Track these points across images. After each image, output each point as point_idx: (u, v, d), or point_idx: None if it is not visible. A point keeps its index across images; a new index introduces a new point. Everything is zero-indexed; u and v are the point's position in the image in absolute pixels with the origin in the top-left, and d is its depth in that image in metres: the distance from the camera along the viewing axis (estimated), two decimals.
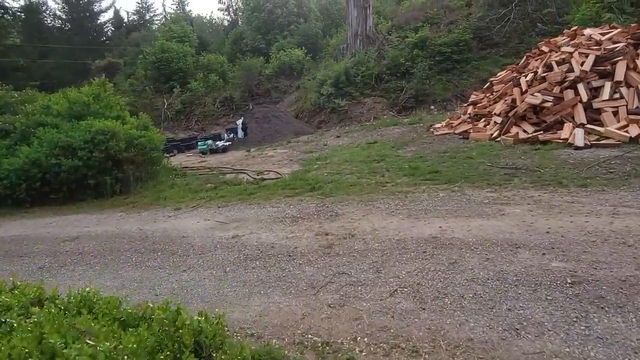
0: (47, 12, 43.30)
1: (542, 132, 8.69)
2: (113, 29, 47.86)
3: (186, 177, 10.36)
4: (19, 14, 40.04)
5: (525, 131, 9.06)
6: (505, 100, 10.49)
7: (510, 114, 9.65)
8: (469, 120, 11.52)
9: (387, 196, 6.37)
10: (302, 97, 21.74)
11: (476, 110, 11.59)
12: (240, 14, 41.01)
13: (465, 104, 13.02)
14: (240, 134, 18.32)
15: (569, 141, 7.94)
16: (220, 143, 17.05)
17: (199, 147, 17.01)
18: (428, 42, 18.57)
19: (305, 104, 20.56)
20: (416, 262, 3.93)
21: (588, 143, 7.68)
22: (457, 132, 11.12)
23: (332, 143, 13.11)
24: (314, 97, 19.78)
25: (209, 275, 4.41)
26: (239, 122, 19.08)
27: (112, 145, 9.04)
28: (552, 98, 8.89)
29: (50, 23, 43.43)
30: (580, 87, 8.71)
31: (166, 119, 26.01)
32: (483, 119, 10.98)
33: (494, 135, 9.67)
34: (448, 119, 12.61)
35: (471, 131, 10.55)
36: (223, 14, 49.43)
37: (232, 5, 47.56)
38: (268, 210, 6.56)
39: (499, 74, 12.61)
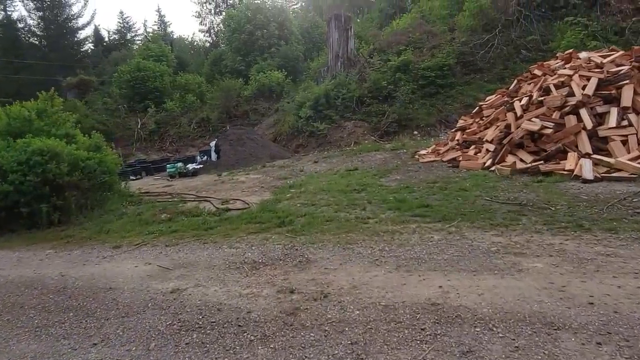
0: (25, 28, 41.92)
1: (542, 161, 7.75)
2: (93, 47, 46.67)
3: (141, 205, 9.05)
4: None
5: (522, 160, 8.12)
6: (498, 125, 9.61)
7: (504, 141, 8.74)
8: (457, 147, 10.58)
9: (370, 237, 5.24)
10: (280, 120, 20.75)
11: (465, 136, 10.68)
12: (221, 35, 40.28)
13: (453, 130, 12.13)
14: (213, 156, 17.15)
15: (575, 173, 7.00)
16: (190, 166, 15.84)
17: (167, 170, 15.77)
18: (411, 65, 17.91)
19: (284, 127, 19.57)
20: (413, 348, 2.77)
21: (598, 175, 6.74)
22: (445, 159, 10.15)
23: (309, 169, 12.01)
24: (292, 120, 18.81)
25: (126, 354, 3.18)
26: (212, 144, 17.92)
27: (51, 168, 7.75)
28: (552, 124, 7.99)
29: (28, 39, 41.97)
30: (584, 112, 7.84)
31: (139, 139, 24.85)
32: (473, 146, 10.06)
33: (487, 164, 8.72)
34: (434, 145, 11.68)
35: (461, 159, 9.60)
36: (204, 35, 48.66)
37: (214, 27, 47.10)
38: (225, 251, 5.35)
39: (488, 99, 11.79)
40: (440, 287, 3.63)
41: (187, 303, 3.91)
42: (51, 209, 7.81)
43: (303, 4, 47.50)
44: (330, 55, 20.86)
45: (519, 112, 9.10)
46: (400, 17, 25.65)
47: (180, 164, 15.66)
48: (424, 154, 11.23)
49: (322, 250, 4.97)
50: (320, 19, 33.19)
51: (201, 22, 55.48)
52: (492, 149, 9.00)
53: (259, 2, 31.85)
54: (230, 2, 45.10)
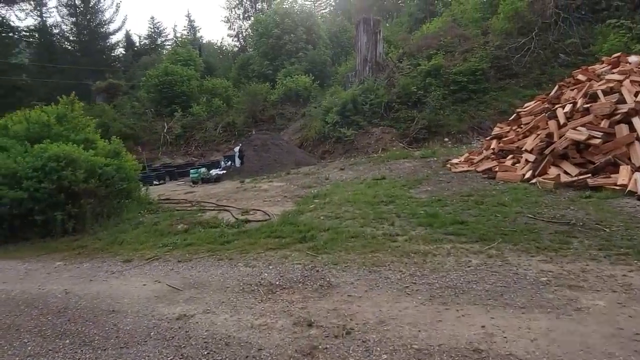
0: (60, 34, 43.14)
1: (590, 175, 7.05)
2: (124, 52, 47.67)
3: (159, 214, 8.75)
4: (25, 33, 39.71)
5: (567, 173, 7.43)
6: (538, 134, 8.90)
7: (546, 152, 8.05)
8: (493, 156, 9.91)
9: (399, 258, 4.71)
10: (307, 125, 20.41)
11: (501, 145, 9.99)
12: (249, 40, 40.39)
13: (488, 138, 11.44)
14: (237, 162, 16.89)
15: (629, 189, 6.30)
16: (213, 172, 15.63)
17: (190, 176, 15.61)
18: (442, 70, 17.25)
19: (310, 133, 19.20)
20: None
21: None
22: (479, 169, 9.51)
23: (334, 177, 11.53)
24: (318, 126, 18.41)
25: None
26: (236, 149, 17.69)
27: (67, 175, 7.51)
28: (601, 134, 7.28)
29: (62, 44, 43.17)
30: (637, 121, 7.11)
31: (165, 143, 24.96)
32: (510, 156, 9.37)
33: (526, 176, 8.06)
34: (467, 154, 11.02)
35: (497, 169, 8.94)
36: (233, 40, 49.00)
37: (242, 32, 47.33)
38: (240, 270, 4.92)
39: (526, 105, 11.05)
40: (483, 327, 3.09)
41: (192, 334, 3.48)
42: (66, 217, 7.57)
43: (332, 8, 47.35)
44: (358, 59, 20.40)
45: (562, 120, 8.40)
46: (430, 21, 24.96)
47: (203, 170, 15.48)
48: (457, 163, 10.59)
49: (346, 272, 4.47)
50: (348, 23, 32.76)
51: (230, 26, 55.86)
52: (532, 160, 8.33)
53: (287, 6, 31.71)
54: (259, 7, 45.26)
